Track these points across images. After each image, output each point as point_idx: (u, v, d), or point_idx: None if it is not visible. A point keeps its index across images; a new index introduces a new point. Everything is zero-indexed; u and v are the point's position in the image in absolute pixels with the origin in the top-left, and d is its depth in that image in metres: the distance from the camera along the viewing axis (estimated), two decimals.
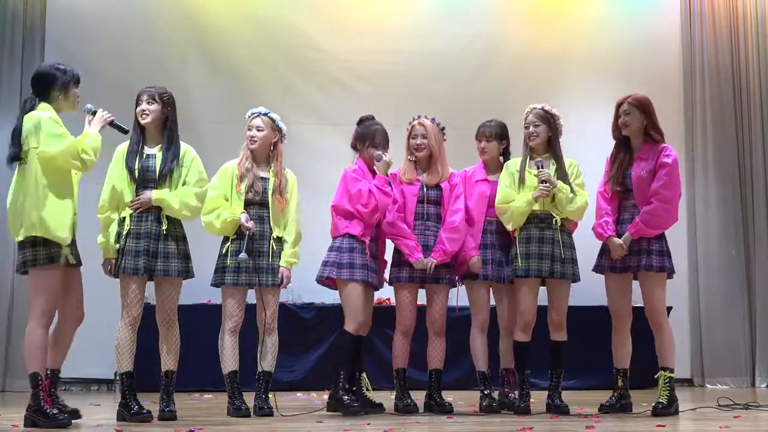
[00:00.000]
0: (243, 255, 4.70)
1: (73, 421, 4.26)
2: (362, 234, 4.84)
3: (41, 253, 4.10)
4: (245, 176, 4.80)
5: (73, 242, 4.28)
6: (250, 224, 4.73)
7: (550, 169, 4.87)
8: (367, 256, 4.82)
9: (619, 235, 4.81)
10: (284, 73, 7.78)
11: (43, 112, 4.19)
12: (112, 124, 4.38)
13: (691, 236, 7.73)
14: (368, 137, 4.97)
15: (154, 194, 4.44)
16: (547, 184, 4.80)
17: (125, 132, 4.44)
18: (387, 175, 4.93)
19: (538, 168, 4.85)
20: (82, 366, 7.09)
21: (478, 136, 5.12)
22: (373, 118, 5.08)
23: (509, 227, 4.90)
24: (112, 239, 4.48)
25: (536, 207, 4.84)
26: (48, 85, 4.28)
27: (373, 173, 4.91)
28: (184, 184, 4.53)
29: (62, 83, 4.28)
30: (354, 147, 5.05)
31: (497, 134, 5.07)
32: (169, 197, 4.45)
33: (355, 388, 4.86)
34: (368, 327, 4.98)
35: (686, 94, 8.04)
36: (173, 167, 4.49)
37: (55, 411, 4.13)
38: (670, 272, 4.83)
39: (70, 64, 4.46)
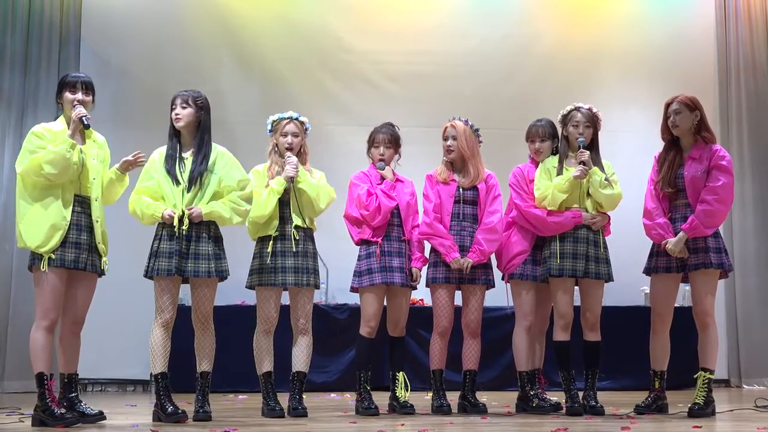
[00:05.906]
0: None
1: (99, 422, 4.31)
2: (373, 236, 4.91)
3: (29, 259, 4.28)
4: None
5: (85, 248, 4.29)
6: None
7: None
8: (377, 256, 4.86)
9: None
10: (316, 75, 7.80)
11: (42, 124, 4.39)
12: (81, 120, 4.33)
13: (728, 235, 7.60)
14: (369, 140, 5.07)
15: (203, 209, 4.47)
16: (585, 167, 4.76)
17: (87, 127, 4.37)
18: (392, 179, 4.97)
19: (579, 147, 4.82)
20: (118, 367, 7.18)
21: (531, 137, 5.05)
22: (390, 125, 5.10)
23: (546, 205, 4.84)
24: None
25: (572, 203, 4.80)
26: (55, 98, 4.51)
27: (382, 177, 4.97)
28: (219, 186, 4.55)
29: (56, 93, 4.47)
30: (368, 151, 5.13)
31: (550, 134, 5.02)
32: (219, 208, 4.49)
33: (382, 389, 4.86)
34: (401, 328, 5.01)
35: (721, 91, 7.92)
36: (202, 170, 4.52)
37: (62, 410, 4.18)
38: (729, 269, 4.78)
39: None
